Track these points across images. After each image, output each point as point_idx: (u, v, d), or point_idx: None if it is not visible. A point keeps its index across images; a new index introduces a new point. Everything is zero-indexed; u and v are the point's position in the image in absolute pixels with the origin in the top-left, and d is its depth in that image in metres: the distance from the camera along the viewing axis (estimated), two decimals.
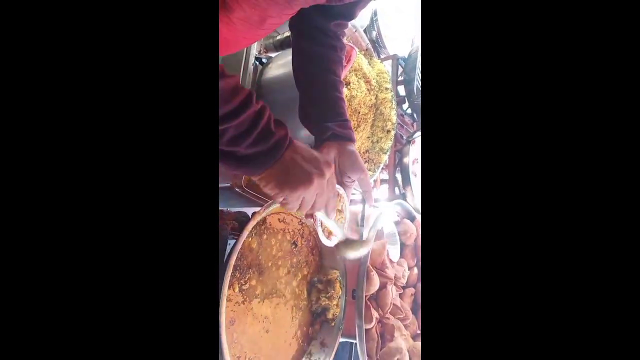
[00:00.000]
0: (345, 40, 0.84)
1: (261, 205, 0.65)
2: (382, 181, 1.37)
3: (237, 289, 0.60)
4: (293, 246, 0.72)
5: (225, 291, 0.54)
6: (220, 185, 0.72)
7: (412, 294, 1.00)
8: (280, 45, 1.11)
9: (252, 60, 1.11)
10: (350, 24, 1.09)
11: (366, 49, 1.15)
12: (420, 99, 1.28)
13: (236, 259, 0.58)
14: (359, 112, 1.07)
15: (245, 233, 0.59)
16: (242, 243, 0.58)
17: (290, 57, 1.02)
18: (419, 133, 1.29)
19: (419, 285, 1.04)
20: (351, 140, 0.65)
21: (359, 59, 1.06)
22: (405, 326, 0.92)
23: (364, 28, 1.23)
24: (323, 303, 0.74)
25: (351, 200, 1.27)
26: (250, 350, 0.61)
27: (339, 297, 0.75)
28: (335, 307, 0.74)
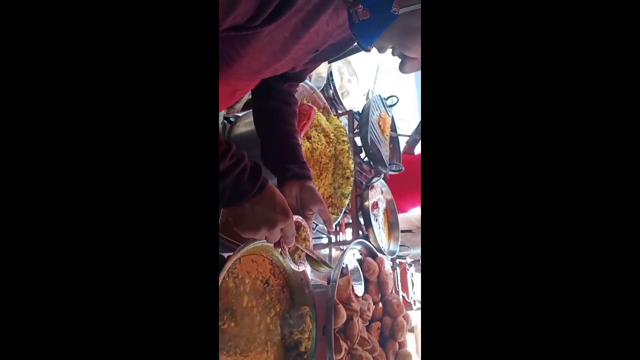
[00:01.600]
0: (304, 100, 0.97)
1: (233, 250, 0.72)
2: (347, 225, 1.48)
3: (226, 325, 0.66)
4: (266, 285, 0.79)
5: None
6: None
7: (378, 328, 1.07)
8: (249, 105, 1.23)
9: (220, 119, 1.23)
10: (307, 86, 1.24)
11: (324, 107, 1.29)
12: (375, 148, 1.42)
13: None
14: (321, 162, 1.19)
15: (223, 274, 0.66)
16: (220, 284, 0.65)
17: None
18: (376, 178, 1.43)
19: (386, 319, 1.12)
20: (309, 178, 0.77)
21: (318, 116, 1.20)
22: (374, 358, 0.98)
23: (320, 88, 1.38)
24: (296, 337, 0.80)
25: (318, 245, 1.36)
26: None
27: (310, 331, 0.82)
28: (307, 340, 0.81)
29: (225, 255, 0.72)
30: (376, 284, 1.14)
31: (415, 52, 0.57)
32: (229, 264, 0.68)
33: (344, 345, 0.87)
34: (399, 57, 0.60)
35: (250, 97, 1.27)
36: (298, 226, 0.74)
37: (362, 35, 0.56)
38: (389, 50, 0.59)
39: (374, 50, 0.61)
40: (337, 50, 0.72)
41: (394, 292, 1.19)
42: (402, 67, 0.60)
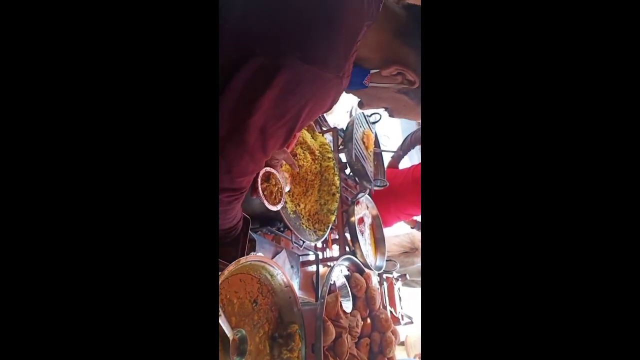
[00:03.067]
0: None
1: (221, 270, 0.72)
2: (334, 241, 1.48)
3: None
4: (254, 304, 0.79)
5: None
6: None
7: (367, 344, 1.07)
8: None
9: None
10: None
11: (308, 125, 1.31)
12: (360, 165, 1.44)
13: None
14: (307, 179, 1.20)
15: None
16: None
17: None
18: (362, 194, 1.44)
19: (374, 334, 1.12)
20: None
21: (303, 134, 1.21)
22: None
23: None
24: (285, 356, 0.80)
25: (306, 262, 1.36)
26: None
27: (299, 349, 0.81)
28: (296, 359, 0.80)
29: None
30: (364, 300, 1.14)
31: (374, 107, 0.73)
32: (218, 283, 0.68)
33: None
34: (359, 98, 0.72)
35: None
36: (269, 175, 0.90)
37: None
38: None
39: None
40: None
41: (381, 307, 1.19)
42: (360, 105, 0.74)
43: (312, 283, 1.39)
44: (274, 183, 0.92)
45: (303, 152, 1.21)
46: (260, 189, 0.86)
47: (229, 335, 0.69)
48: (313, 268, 1.39)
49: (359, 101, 0.72)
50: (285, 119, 0.51)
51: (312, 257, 1.39)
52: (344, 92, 0.70)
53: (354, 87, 0.63)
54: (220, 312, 0.66)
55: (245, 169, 0.56)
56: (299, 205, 1.18)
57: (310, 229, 1.20)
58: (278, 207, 0.92)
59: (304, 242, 1.19)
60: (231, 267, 0.72)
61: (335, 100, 0.58)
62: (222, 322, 0.67)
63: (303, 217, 1.18)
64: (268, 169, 0.89)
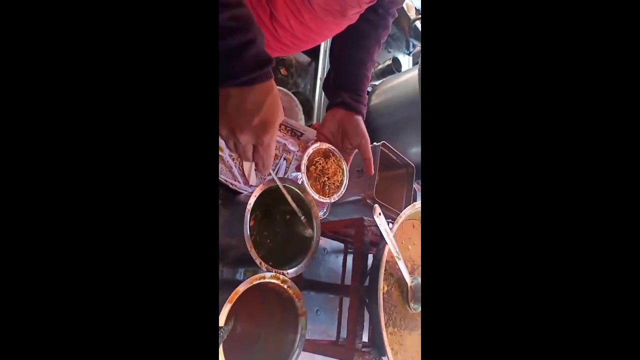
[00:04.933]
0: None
1: (389, 216, 0.70)
2: None
3: (385, 289, 0.64)
4: None
5: (380, 294, 0.59)
6: (353, 198, 0.79)
7: None
8: (382, 74, 1.19)
9: None
10: None
11: None
12: None
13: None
14: None
15: (391, 237, 0.63)
16: (386, 250, 0.63)
17: (392, 83, 1.09)
18: None
19: None
20: (358, 112, 0.66)
21: None
22: None
23: None
24: None
25: None
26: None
27: None
28: None
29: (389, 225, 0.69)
30: None
31: None
32: (395, 227, 0.66)
33: None
34: None
35: (385, 65, 1.23)
36: (329, 154, 0.65)
37: None
38: None
39: None
40: None
41: None
42: None
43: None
44: (333, 169, 0.65)
45: None
46: (304, 166, 0.60)
47: (408, 282, 0.66)
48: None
49: None
50: None
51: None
52: None
53: None
54: (401, 257, 0.64)
55: None
56: None
57: None
58: (329, 200, 0.63)
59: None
60: (407, 211, 0.69)
61: None
62: (402, 266, 0.65)
63: None
64: (332, 147, 0.65)
